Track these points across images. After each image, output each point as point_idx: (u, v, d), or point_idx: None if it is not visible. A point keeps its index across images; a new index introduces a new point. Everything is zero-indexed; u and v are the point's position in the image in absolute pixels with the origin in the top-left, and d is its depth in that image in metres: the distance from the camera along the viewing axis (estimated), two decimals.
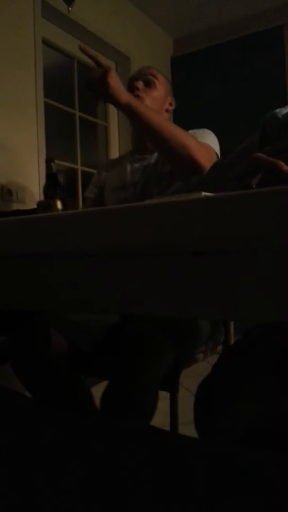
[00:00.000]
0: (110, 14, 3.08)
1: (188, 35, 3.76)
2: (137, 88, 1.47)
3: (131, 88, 1.49)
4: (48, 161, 1.61)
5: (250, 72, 3.33)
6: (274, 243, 0.36)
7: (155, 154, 1.52)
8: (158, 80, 1.52)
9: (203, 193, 0.55)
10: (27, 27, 2.44)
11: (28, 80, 2.44)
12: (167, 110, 1.57)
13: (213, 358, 1.01)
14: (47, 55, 2.69)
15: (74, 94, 2.99)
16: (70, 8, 2.61)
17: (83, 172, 3.01)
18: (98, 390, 1.10)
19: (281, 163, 0.63)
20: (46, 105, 2.59)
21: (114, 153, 3.30)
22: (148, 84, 1.50)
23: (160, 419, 1.12)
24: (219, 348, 1.38)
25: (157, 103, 1.50)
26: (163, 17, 3.52)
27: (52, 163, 1.59)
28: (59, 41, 2.83)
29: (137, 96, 1.44)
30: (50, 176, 1.58)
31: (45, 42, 2.67)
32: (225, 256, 0.40)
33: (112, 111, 3.30)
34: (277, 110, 1.20)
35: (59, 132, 2.92)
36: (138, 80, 1.49)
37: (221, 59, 3.47)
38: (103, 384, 1.09)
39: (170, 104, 1.57)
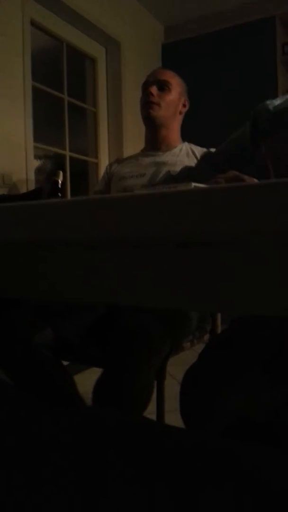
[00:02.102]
0: None
1: (179, 23, 3.71)
2: (152, 94, 1.52)
3: (146, 93, 1.54)
4: (58, 169, 1.75)
5: (242, 62, 3.31)
6: (262, 236, 0.36)
7: (167, 153, 1.57)
8: (172, 84, 1.56)
9: (193, 184, 0.55)
10: (15, 8, 2.38)
11: (16, 63, 2.39)
12: (180, 112, 1.61)
13: (199, 347, 1.02)
14: (36, 38, 2.64)
15: (63, 78, 2.94)
16: None
17: (71, 158, 2.97)
18: (83, 377, 1.10)
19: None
20: (34, 89, 2.55)
21: (103, 139, 3.27)
22: (162, 89, 1.54)
23: None
24: (206, 337, 1.40)
25: (171, 106, 1.55)
26: (155, 4, 3.47)
27: (61, 172, 1.71)
28: (48, 24, 2.77)
29: (152, 102, 1.51)
30: (55, 184, 1.70)
31: (34, 24, 2.61)
32: (213, 248, 0.40)
33: (102, 96, 3.26)
34: (268, 102, 1.20)
35: (47, 117, 2.88)
36: (153, 85, 1.53)
37: (212, 48, 3.44)
38: (90, 371, 1.09)
39: (184, 105, 1.62)
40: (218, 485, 0.43)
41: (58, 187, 1.69)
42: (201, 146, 1.61)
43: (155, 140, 1.59)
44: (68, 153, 2.95)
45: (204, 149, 1.57)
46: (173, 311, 1.19)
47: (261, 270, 0.38)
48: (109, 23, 3.09)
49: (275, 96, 1.73)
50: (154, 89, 1.52)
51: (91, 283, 0.48)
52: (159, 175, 1.50)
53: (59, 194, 1.67)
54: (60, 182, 1.70)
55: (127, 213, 0.40)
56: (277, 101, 1.18)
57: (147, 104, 1.53)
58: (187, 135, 1.68)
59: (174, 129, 1.60)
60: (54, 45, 2.92)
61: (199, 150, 1.58)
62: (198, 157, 1.55)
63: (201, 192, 0.38)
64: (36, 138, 2.55)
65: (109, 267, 0.46)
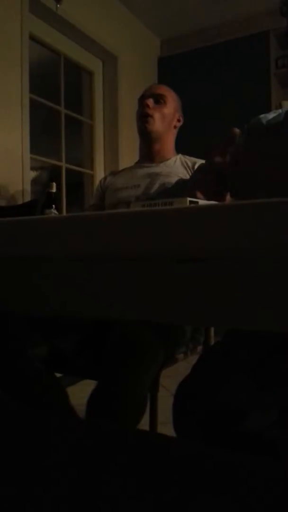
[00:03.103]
0: (99, 12, 3.07)
1: (175, 37, 3.77)
2: (148, 106, 1.56)
3: (142, 105, 1.58)
4: (51, 181, 1.77)
5: (236, 75, 3.36)
6: (255, 252, 0.37)
7: (161, 164, 1.59)
8: (168, 98, 1.60)
9: (189, 199, 0.57)
10: (14, 21, 2.42)
11: (14, 75, 2.42)
12: (175, 126, 1.65)
13: (193, 358, 1.02)
14: (34, 51, 2.67)
15: (60, 91, 2.97)
16: (58, 5, 2.60)
17: (67, 170, 2.99)
18: (76, 389, 1.10)
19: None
20: (32, 101, 2.57)
21: (99, 151, 3.29)
22: (158, 102, 1.58)
23: None
24: (199, 348, 1.40)
25: (166, 120, 1.59)
26: (152, 18, 3.52)
27: (54, 183, 1.75)
28: (46, 37, 2.81)
29: (147, 115, 1.55)
30: (50, 195, 1.75)
31: (32, 38, 2.65)
32: (208, 264, 0.41)
33: (98, 109, 3.29)
34: (262, 116, 1.22)
35: (44, 129, 2.91)
36: (149, 98, 1.57)
37: (207, 62, 3.49)
38: (83, 383, 1.09)
39: (178, 120, 1.66)
40: (213, 494, 0.44)
41: (52, 198, 1.73)
42: (198, 159, 1.64)
43: (149, 153, 1.62)
44: (64, 165, 2.97)
45: (196, 159, 1.60)
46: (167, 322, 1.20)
47: (256, 285, 0.39)
48: (106, 36, 3.13)
49: (268, 109, 1.76)
50: (150, 102, 1.56)
51: (87, 298, 0.49)
52: (153, 186, 1.52)
53: (53, 206, 1.71)
54: (53, 193, 1.74)
55: (123, 229, 0.41)
56: (270, 115, 1.20)
57: (143, 117, 1.56)
58: (182, 148, 1.70)
59: (168, 142, 1.63)
60: (51, 58, 2.96)
61: (192, 161, 1.61)
62: (192, 166, 1.58)
63: (196, 209, 0.39)
64: (33, 150, 2.57)
65: (105, 281, 0.47)
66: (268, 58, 3.30)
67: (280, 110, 1.22)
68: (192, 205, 0.50)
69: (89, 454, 0.51)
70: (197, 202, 0.54)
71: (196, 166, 1.59)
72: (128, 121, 3.19)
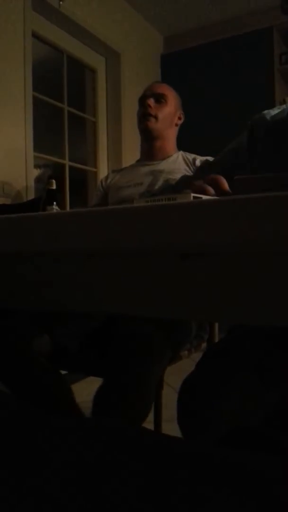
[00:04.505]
0: (101, 9, 3.07)
1: (178, 33, 3.76)
2: (149, 106, 1.57)
3: (143, 105, 1.59)
4: (50, 178, 1.78)
5: (239, 72, 3.35)
6: (260, 247, 0.37)
7: (163, 162, 1.60)
8: (168, 97, 1.61)
9: (192, 194, 0.56)
10: (17, 19, 2.41)
11: (17, 73, 2.42)
12: (176, 124, 1.66)
13: (197, 355, 1.02)
14: (37, 49, 2.67)
15: (63, 88, 2.97)
16: (61, 2, 2.60)
17: (70, 167, 2.99)
18: (80, 386, 1.10)
19: (208, 188, 0.67)
20: (35, 99, 2.57)
21: (102, 149, 3.29)
22: (159, 101, 1.59)
23: None
24: (204, 345, 1.40)
25: (168, 118, 1.61)
26: (154, 15, 3.51)
27: (53, 180, 1.76)
28: (49, 35, 2.80)
29: (149, 114, 1.56)
30: (50, 192, 1.76)
31: (35, 35, 2.64)
32: (212, 259, 0.41)
33: (101, 106, 3.29)
34: (265, 112, 1.21)
35: (47, 127, 2.90)
36: (150, 98, 1.59)
37: (210, 58, 3.47)
38: (88, 380, 1.09)
39: (179, 118, 1.67)
40: (219, 493, 0.43)
41: (53, 195, 1.74)
42: (200, 155, 1.63)
43: (151, 151, 1.63)
44: (67, 162, 2.97)
45: (196, 155, 1.61)
46: (173, 319, 1.20)
47: (260, 280, 0.39)
48: (109, 34, 3.12)
49: (272, 105, 1.75)
50: (151, 101, 1.58)
51: (91, 293, 0.49)
52: (156, 184, 1.52)
53: (54, 202, 1.72)
54: (53, 190, 1.74)
55: (127, 224, 0.41)
56: (274, 111, 1.20)
57: (144, 116, 1.58)
58: (185, 145, 1.70)
59: (170, 140, 1.64)
60: (54, 55, 2.95)
61: (192, 157, 1.62)
62: (193, 162, 1.59)
63: (201, 203, 0.39)
64: (36, 147, 2.57)
65: (109, 277, 0.47)
66: (272, 54, 3.28)
67: (284, 106, 1.21)
68: (196, 197, 0.49)
69: (92, 452, 0.51)
70: (201, 198, 0.54)
71: (196, 162, 1.60)
72: (131, 118, 3.17)
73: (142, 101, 1.60)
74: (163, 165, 1.59)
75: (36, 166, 2.66)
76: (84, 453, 0.51)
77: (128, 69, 3.33)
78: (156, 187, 1.52)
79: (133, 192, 1.54)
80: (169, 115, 1.60)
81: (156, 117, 1.57)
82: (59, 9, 2.66)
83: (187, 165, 1.59)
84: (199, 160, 1.60)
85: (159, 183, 1.53)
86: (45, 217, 0.46)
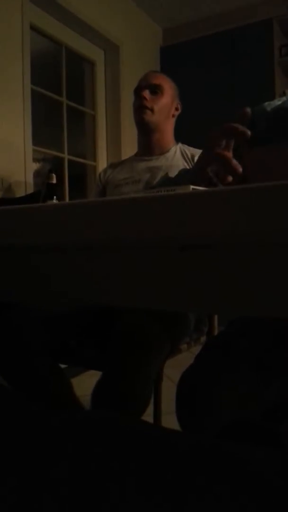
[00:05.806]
0: (100, 1, 3.04)
1: (177, 26, 3.73)
2: (145, 98, 1.52)
3: (139, 97, 1.54)
4: (50, 172, 1.75)
5: (239, 64, 3.33)
6: (260, 239, 0.37)
7: (161, 157, 1.57)
8: (164, 87, 1.56)
9: (192, 187, 0.56)
10: (14, 11, 2.39)
11: (15, 66, 2.40)
12: (173, 115, 1.62)
13: (196, 349, 1.02)
14: (35, 41, 2.65)
15: (61, 81, 2.95)
16: None
17: (69, 161, 2.98)
18: (80, 380, 1.10)
19: (236, 163, 0.66)
20: (33, 93, 2.56)
21: (101, 142, 3.27)
22: (155, 93, 1.54)
23: None
24: (203, 339, 1.40)
25: (164, 110, 1.56)
26: (153, 7, 3.48)
27: (53, 174, 1.74)
28: (48, 27, 2.78)
29: (145, 107, 1.51)
30: (50, 186, 1.75)
31: (33, 28, 2.62)
32: (211, 251, 0.40)
33: (100, 99, 3.27)
34: (266, 104, 1.20)
35: (46, 120, 2.89)
36: (145, 89, 1.54)
37: (210, 50, 3.45)
38: (88, 374, 1.09)
39: (176, 109, 1.62)
40: (219, 486, 0.43)
41: (53, 189, 1.72)
42: (199, 148, 1.62)
43: (148, 144, 1.60)
44: (66, 156, 2.95)
45: (195, 151, 1.58)
46: (172, 312, 1.20)
47: (260, 272, 0.39)
48: (108, 26, 3.10)
49: (272, 98, 1.74)
50: (146, 93, 1.53)
51: (90, 285, 0.49)
52: (154, 181, 1.51)
53: (54, 196, 1.70)
54: (54, 184, 1.73)
55: (126, 216, 0.40)
56: (275, 103, 1.19)
57: (140, 108, 1.53)
58: (184, 138, 1.68)
59: (167, 132, 1.60)
60: (53, 48, 2.93)
61: (191, 151, 1.59)
62: (191, 158, 1.56)
63: (200, 194, 0.38)
64: (35, 141, 2.56)
65: (108, 269, 0.47)
66: (272, 46, 3.27)
67: (284, 98, 1.21)
68: (196, 189, 0.49)
69: (91, 445, 0.51)
70: (200, 189, 0.53)
71: (195, 159, 1.58)
72: (130, 111, 3.14)
73: (137, 92, 1.55)
74: (161, 161, 1.56)
75: (35, 159, 2.65)
76: (83, 446, 0.51)
77: (127, 61, 3.31)
78: (155, 182, 1.51)
79: (131, 189, 1.52)
80: (165, 107, 1.56)
81: (152, 110, 1.52)
82: (57, 1, 2.63)
83: (186, 161, 1.56)
84: (197, 156, 1.58)
85: (157, 180, 1.51)
86: (43, 208, 0.46)
